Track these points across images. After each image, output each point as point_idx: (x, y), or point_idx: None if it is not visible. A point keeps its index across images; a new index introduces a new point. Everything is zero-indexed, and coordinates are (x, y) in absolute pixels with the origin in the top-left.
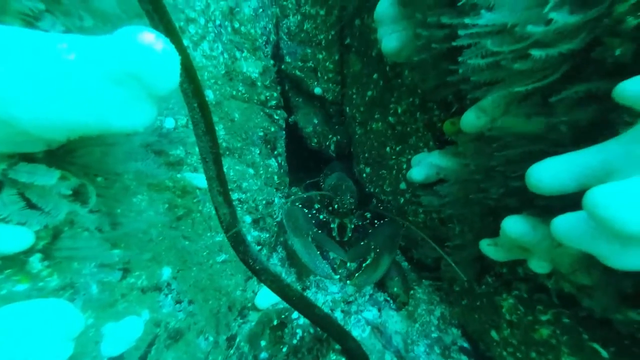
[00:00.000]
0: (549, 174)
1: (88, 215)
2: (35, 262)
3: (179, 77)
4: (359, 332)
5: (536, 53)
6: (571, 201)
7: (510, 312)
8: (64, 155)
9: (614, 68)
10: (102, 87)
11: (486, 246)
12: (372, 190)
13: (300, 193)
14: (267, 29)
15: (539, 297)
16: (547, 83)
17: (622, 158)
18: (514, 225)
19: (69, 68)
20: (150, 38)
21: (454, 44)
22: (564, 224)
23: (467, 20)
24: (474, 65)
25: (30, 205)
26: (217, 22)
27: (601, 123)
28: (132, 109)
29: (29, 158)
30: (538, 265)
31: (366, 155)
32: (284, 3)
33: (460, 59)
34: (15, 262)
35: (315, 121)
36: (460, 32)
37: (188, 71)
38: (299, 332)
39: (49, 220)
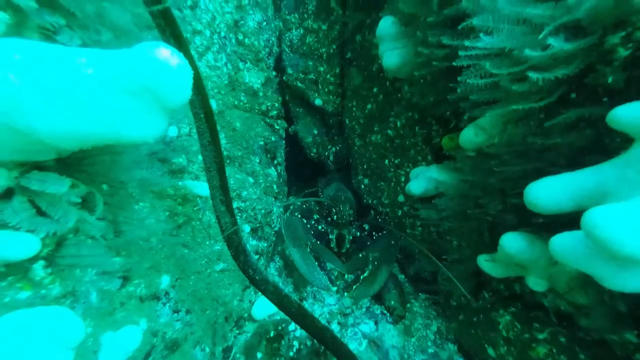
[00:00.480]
0: (545, 193)
1: (96, 223)
2: (38, 269)
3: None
4: (356, 345)
5: (533, 76)
6: (570, 219)
7: (507, 329)
8: (73, 163)
9: (607, 94)
10: (117, 99)
11: (484, 262)
12: (370, 201)
13: (298, 202)
14: (270, 42)
15: (536, 315)
16: (544, 105)
17: (616, 181)
18: (512, 242)
19: (87, 81)
20: (167, 54)
21: (454, 64)
22: (562, 242)
23: (466, 43)
24: (473, 85)
25: (40, 213)
26: (222, 34)
27: (595, 145)
28: (145, 120)
29: (40, 166)
30: (535, 283)
31: (365, 166)
32: (288, 17)
33: (459, 78)
34: (18, 269)
35: (315, 131)
36: (460, 53)
37: (196, 83)
38: (296, 344)
39: (58, 227)
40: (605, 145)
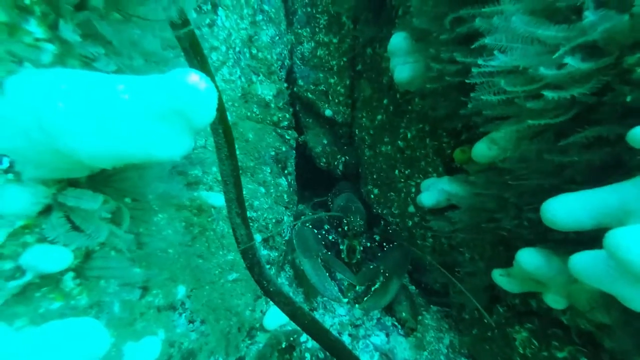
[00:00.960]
0: (564, 210)
1: (124, 236)
2: (68, 281)
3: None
4: (367, 358)
5: (549, 94)
6: (589, 236)
7: (523, 346)
8: (103, 179)
9: (626, 112)
10: (150, 122)
11: (499, 276)
12: (379, 211)
13: (307, 211)
14: (283, 55)
15: (554, 332)
16: (559, 122)
17: (638, 200)
18: (529, 258)
19: (124, 106)
20: (196, 79)
21: (467, 81)
22: (582, 261)
23: (479, 61)
24: (486, 101)
25: (74, 228)
26: (237, 49)
27: (614, 163)
28: (174, 140)
29: (73, 182)
30: (553, 300)
31: (375, 176)
32: (300, 31)
33: (472, 94)
34: (50, 280)
35: (325, 141)
36: (474, 70)
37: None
38: (308, 356)
39: (90, 242)
40: (624, 163)
